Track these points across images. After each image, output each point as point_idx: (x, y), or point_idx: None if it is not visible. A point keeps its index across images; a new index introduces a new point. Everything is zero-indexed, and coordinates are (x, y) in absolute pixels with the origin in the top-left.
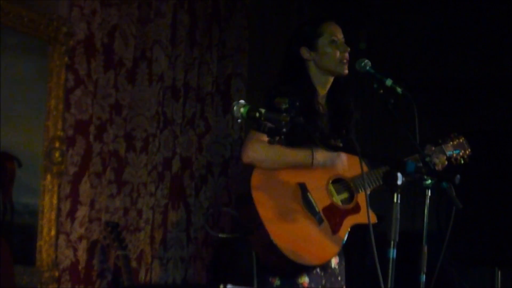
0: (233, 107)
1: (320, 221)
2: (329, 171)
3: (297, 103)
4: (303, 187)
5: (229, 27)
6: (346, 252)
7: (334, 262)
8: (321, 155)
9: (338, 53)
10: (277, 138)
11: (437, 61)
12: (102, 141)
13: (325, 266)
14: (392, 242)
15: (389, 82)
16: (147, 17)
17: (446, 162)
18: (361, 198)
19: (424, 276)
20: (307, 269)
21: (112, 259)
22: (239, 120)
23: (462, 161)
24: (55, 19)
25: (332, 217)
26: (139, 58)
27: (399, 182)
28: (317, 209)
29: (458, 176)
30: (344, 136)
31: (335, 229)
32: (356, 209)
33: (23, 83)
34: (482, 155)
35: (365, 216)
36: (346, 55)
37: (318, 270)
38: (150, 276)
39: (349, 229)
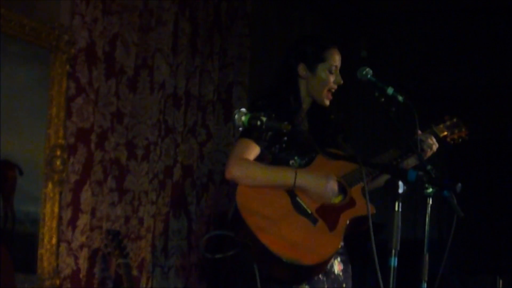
0: (234, 115)
1: (314, 222)
2: (316, 172)
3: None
4: (291, 193)
5: (231, 35)
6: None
7: (338, 268)
8: (304, 177)
9: (331, 83)
10: (278, 146)
11: (438, 70)
12: (104, 149)
13: (328, 272)
14: (393, 251)
15: (390, 90)
16: (148, 26)
17: (437, 144)
18: (355, 192)
19: (426, 284)
20: (311, 272)
21: (113, 267)
22: (240, 129)
23: (460, 140)
24: (56, 27)
25: (326, 215)
26: (140, 66)
27: (400, 190)
28: (309, 211)
29: (460, 184)
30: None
31: (332, 226)
32: (351, 204)
33: (25, 91)
34: (483, 164)
35: (362, 208)
36: (335, 87)
37: (320, 276)
38: (151, 284)
39: (347, 223)
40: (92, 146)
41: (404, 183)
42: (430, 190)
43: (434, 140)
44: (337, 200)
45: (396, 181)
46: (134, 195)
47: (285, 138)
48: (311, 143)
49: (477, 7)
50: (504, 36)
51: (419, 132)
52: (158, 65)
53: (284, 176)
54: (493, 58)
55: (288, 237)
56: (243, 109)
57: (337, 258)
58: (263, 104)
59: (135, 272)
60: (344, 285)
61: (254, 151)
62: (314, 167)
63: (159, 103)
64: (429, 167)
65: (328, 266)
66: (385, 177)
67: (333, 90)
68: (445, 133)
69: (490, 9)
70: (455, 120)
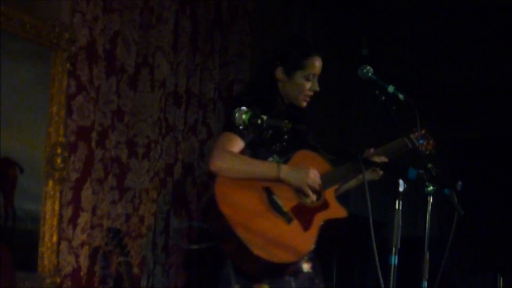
0: (235, 113)
1: (289, 221)
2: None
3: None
4: (268, 191)
5: (231, 33)
6: (348, 257)
7: (307, 266)
8: (287, 170)
9: (306, 90)
10: (278, 144)
11: (439, 68)
12: (104, 147)
13: (296, 271)
14: (393, 249)
15: (391, 88)
16: (149, 23)
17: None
18: (329, 194)
19: (426, 282)
20: (282, 269)
21: (114, 265)
22: (241, 127)
23: (428, 152)
24: (57, 25)
25: (301, 215)
26: (141, 64)
27: (401, 189)
28: (284, 210)
29: (460, 182)
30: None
31: (305, 226)
32: (325, 206)
33: (25, 89)
34: (483, 162)
35: (335, 211)
36: (311, 93)
37: (287, 276)
38: (152, 283)
39: (321, 224)
40: (93, 144)
41: (405, 182)
42: (431, 188)
43: (383, 159)
44: (309, 200)
45: (397, 180)
46: (134, 193)
47: (286, 137)
48: (311, 141)
49: (478, 5)
50: (505, 34)
51: (372, 150)
52: (158, 63)
53: (267, 170)
54: (494, 56)
55: (263, 234)
56: (244, 108)
57: (303, 257)
58: (248, 100)
59: (135, 270)
60: (316, 281)
61: (237, 145)
62: (291, 165)
63: (159, 101)
64: (429, 165)
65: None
66: (357, 181)
67: (308, 97)
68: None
69: (491, 6)
70: (423, 131)
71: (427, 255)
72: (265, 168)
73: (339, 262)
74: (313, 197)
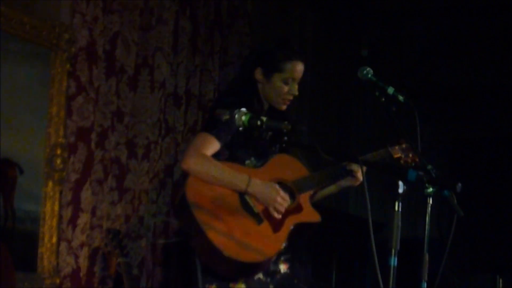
0: (235, 115)
1: (259, 221)
2: (269, 174)
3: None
4: None
5: (231, 34)
6: (347, 259)
7: (284, 267)
8: (257, 186)
9: (284, 93)
10: (278, 146)
11: (439, 69)
12: (104, 148)
13: (272, 272)
14: (393, 250)
15: (391, 90)
16: (149, 24)
17: (361, 179)
18: (303, 198)
19: (426, 284)
20: (249, 269)
21: (114, 266)
22: (240, 128)
23: (414, 164)
24: (57, 26)
25: (272, 217)
26: (140, 65)
27: (401, 190)
28: (255, 210)
29: (460, 184)
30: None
31: (275, 228)
32: (298, 209)
33: (25, 89)
34: (483, 163)
35: (307, 215)
36: (290, 97)
37: (261, 276)
38: (151, 283)
39: (291, 228)
40: (93, 145)
41: (404, 183)
42: (430, 189)
43: (359, 169)
44: None
45: (396, 181)
46: (134, 194)
47: (286, 138)
48: (314, 146)
49: (478, 5)
50: (504, 34)
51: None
52: (158, 64)
53: (237, 181)
54: (494, 56)
55: (231, 233)
56: (243, 109)
57: (280, 258)
58: (230, 101)
59: (135, 271)
60: (295, 281)
61: (213, 147)
62: (267, 168)
63: (159, 102)
64: (429, 166)
65: (272, 267)
66: (336, 188)
67: (286, 101)
68: (399, 155)
69: (491, 7)
70: (405, 145)
71: (427, 256)
72: (235, 178)
73: (338, 263)
74: (278, 218)
